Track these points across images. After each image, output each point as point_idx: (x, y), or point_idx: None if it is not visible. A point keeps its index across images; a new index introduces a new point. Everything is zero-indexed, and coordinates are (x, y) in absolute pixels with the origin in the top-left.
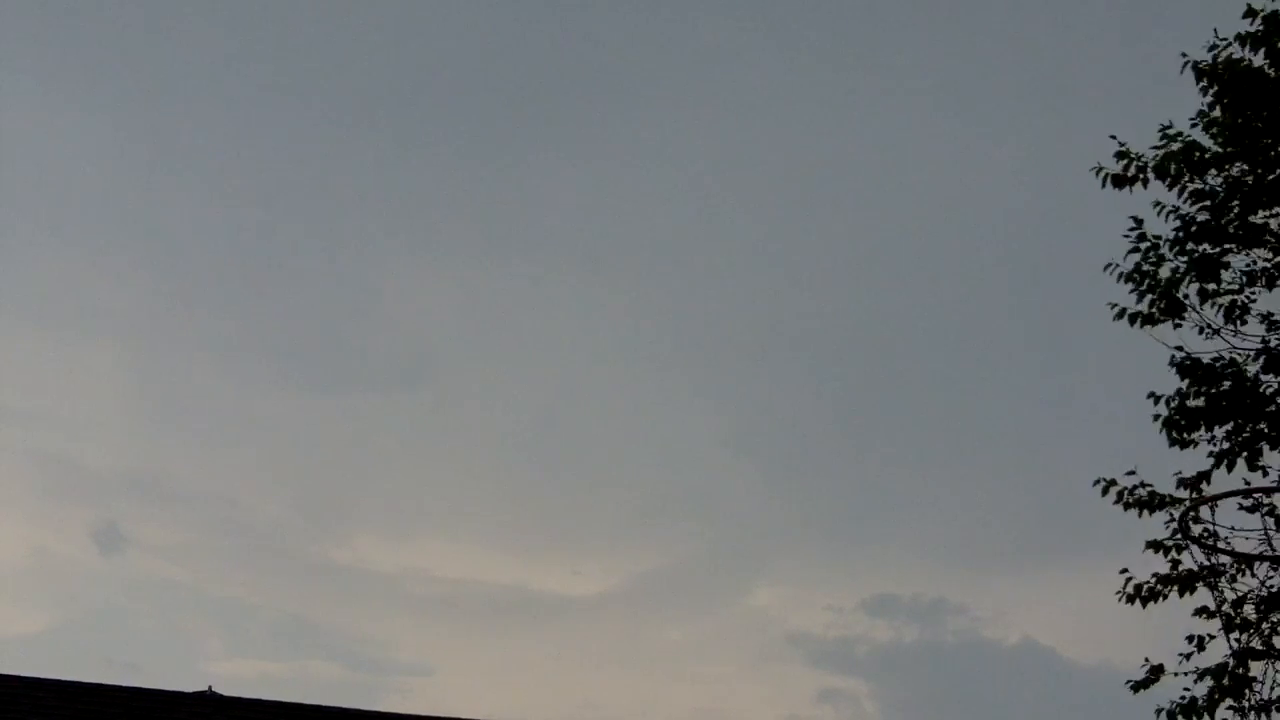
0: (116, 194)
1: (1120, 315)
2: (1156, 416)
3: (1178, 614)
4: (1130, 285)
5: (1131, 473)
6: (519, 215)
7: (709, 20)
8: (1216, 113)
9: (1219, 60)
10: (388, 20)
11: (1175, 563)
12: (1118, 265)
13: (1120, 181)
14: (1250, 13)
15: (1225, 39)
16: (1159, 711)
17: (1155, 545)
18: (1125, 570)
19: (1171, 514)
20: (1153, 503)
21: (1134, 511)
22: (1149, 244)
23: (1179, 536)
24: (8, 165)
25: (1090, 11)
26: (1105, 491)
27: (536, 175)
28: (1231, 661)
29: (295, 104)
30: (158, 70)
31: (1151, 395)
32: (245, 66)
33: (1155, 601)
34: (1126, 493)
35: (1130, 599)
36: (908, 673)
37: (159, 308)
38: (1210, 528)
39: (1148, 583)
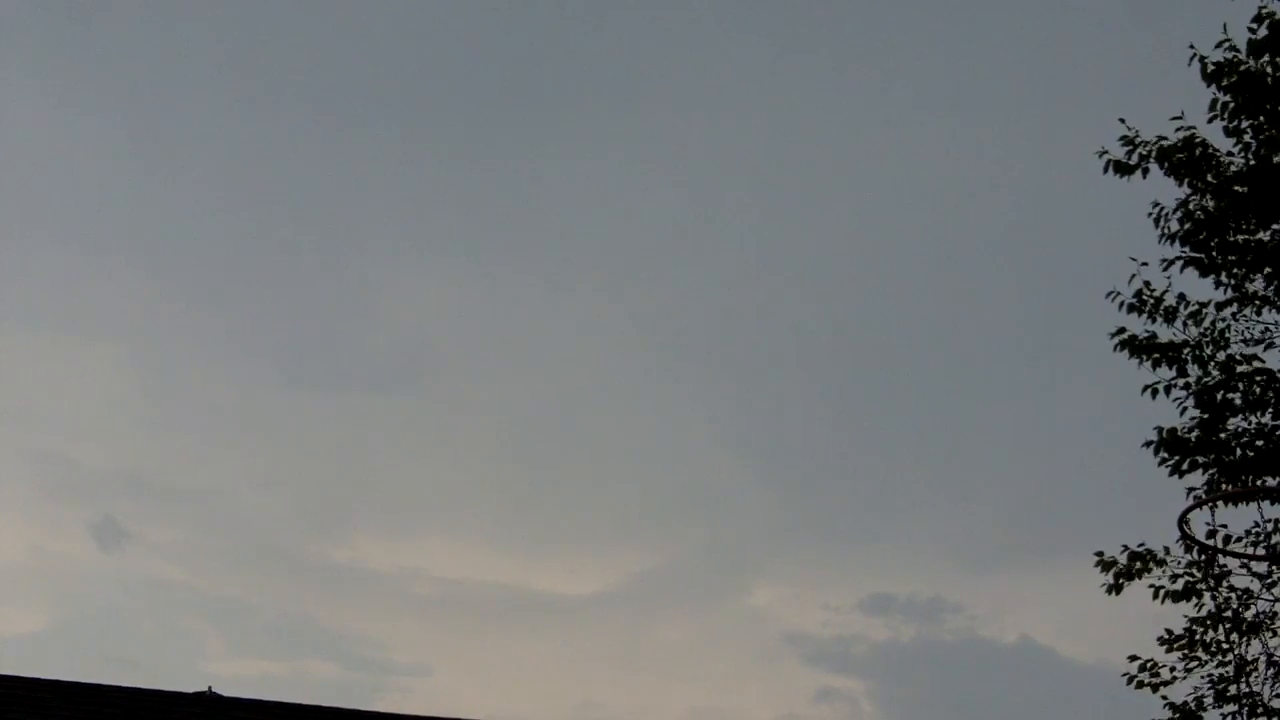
0: (116, 194)
1: (1123, 345)
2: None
3: (1176, 614)
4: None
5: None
6: (519, 215)
7: (710, 20)
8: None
9: (1225, 64)
10: (387, 19)
11: (1189, 580)
12: (1119, 294)
13: (1122, 169)
14: (1259, 17)
15: (1232, 42)
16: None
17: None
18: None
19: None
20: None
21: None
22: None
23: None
24: (7, 165)
25: (1093, 9)
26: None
27: (537, 175)
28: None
29: (295, 103)
30: (158, 70)
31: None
32: (245, 66)
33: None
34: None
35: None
36: (905, 672)
37: (159, 308)
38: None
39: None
